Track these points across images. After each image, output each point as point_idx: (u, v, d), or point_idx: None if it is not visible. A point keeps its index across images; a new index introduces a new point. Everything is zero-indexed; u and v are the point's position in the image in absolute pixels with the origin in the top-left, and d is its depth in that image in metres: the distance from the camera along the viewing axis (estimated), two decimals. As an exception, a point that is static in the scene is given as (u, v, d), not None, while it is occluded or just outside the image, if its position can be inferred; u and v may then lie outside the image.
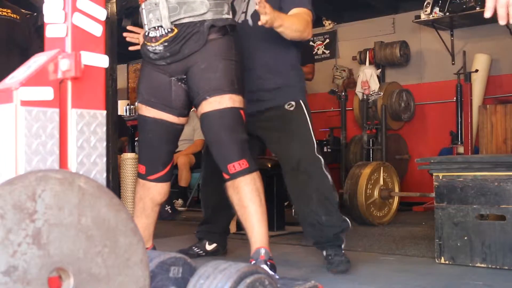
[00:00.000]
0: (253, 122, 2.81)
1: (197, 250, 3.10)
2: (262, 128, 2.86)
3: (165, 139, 2.54)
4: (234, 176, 2.34)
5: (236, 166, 2.33)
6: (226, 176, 2.37)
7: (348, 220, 2.76)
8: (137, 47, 2.78)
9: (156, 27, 2.38)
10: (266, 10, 2.34)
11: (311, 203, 2.71)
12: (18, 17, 3.57)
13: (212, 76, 2.36)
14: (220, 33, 2.39)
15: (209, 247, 3.14)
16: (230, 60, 2.39)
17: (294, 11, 2.65)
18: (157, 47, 2.42)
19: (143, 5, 2.44)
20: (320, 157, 2.76)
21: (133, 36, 2.79)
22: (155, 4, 2.37)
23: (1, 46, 3.50)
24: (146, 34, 2.45)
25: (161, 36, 2.39)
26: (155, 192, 2.55)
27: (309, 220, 2.73)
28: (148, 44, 2.45)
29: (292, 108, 2.78)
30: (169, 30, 2.36)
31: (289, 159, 2.76)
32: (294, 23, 2.57)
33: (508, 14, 1.58)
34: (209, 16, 2.36)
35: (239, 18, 2.80)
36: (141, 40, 2.71)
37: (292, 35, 2.58)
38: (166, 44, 2.39)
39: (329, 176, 2.77)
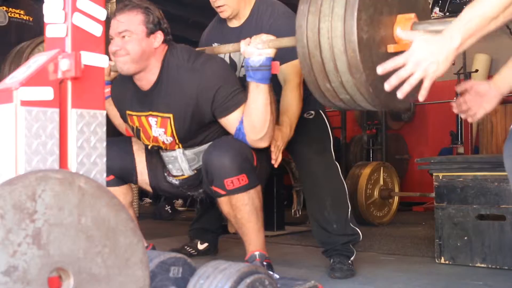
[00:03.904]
0: None
1: (189, 250, 3.09)
2: None
3: (117, 165, 2.50)
4: (231, 192, 2.26)
5: (234, 182, 2.24)
6: (220, 192, 2.28)
7: (359, 232, 2.72)
8: None
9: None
10: (280, 147, 2.42)
11: (324, 208, 2.68)
12: (31, 19, 3.47)
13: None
14: None
15: (200, 246, 3.14)
16: None
17: (285, 70, 2.53)
18: (174, 180, 2.55)
19: (161, 153, 2.53)
20: (337, 164, 2.76)
21: None
22: (173, 158, 2.46)
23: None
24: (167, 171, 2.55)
25: (182, 175, 2.52)
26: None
27: (320, 225, 2.71)
28: (168, 176, 2.56)
29: (311, 117, 2.75)
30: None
31: (306, 163, 2.74)
32: (297, 112, 2.52)
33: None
34: None
35: (239, 72, 2.73)
36: None
37: (300, 112, 2.57)
38: (184, 180, 2.53)
39: (345, 185, 2.76)
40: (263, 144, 2.34)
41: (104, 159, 1.34)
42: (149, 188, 2.67)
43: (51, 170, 1.15)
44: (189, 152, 2.44)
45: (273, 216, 4.05)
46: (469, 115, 1.84)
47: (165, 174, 2.57)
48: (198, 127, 2.37)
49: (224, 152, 2.27)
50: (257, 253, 2.33)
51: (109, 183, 2.46)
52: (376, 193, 4.66)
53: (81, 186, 1.13)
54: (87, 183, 1.14)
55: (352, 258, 2.67)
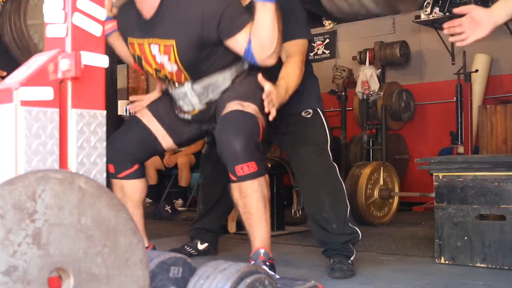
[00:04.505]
0: (269, 129, 2.81)
1: (189, 249, 3.09)
2: (278, 133, 2.83)
3: (139, 147, 2.53)
4: (242, 179, 2.27)
5: (244, 168, 2.25)
6: (232, 178, 2.30)
7: (358, 231, 2.73)
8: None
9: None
10: (274, 103, 2.35)
11: (323, 208, 2.68)
12: None
13: (233, 92, 2.42)
14: (243, 76, 2.46)
15: (200, 246, 3.13)
16: (256, 88, 2.40)
17: (288, 48, 2.58)
18: (186, 116, 2.56)
19: (170, 91, 2.54)
20: (335, 164, 2.76)
21: (137, 106, 2.81)
22: (183, 94, 2.48)
23: None
24: (177, 107, 2.56)
25: (193, 110, 2.53)
26: (129, 189, 2.53)
27: (320, 225, 2.71)
28: (178, 112, 2.58)
29: (309, 116, 2.76)
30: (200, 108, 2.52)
31: (304, 164, 2.74)
32: (295, 83, 2.53)
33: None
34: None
35: None
36: (145, 104, 2.74)
37: (298, 84, 2.57)
38: (196, 115, 2.53)
39: (343, 184, 2.77)
40: (271, 62, 2.37)
41: (104, 159, 1.34)
42: (175, 147, 2.70)
43: (51, 170, 1.15)
44: (198, 87, 2.45)
45: (273, 216, 4.05)
46: (460, 38, 1.91)
47: (176, 112, 2.58)
48: (202, 52, 2.37)
49: (234, 137, 2.26)
50: (262, 250, 2.30)
51: (132, 175, 2.52)
52: (376, 193, 4.65)
53: (81, 186, 1.13)
54: (87, 183, 1.14)
55: (352, 258, 2.67)
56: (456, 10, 1.94)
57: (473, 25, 1.88)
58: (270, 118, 2.35)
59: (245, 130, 2.29)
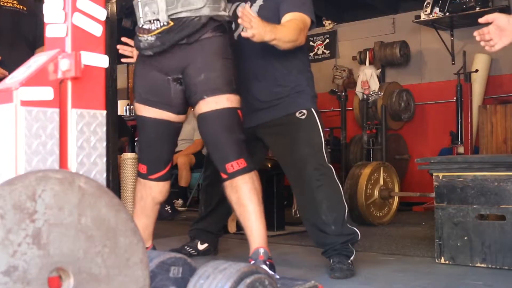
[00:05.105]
0: (263, 129, 2.81)
1: (189, 250, 3.09)
2: (272, 134, 2.83)
3: (165, 139, 2.55)
4: (233, 175, 2.33)
5: (234, 165, 2.32)
6: (224, 176, 2.36)
7: (357, 231, 2.73)
8: (130, 60, 2.76)
9: (152, 21, 2.37)
10: (252, 24, 2.29)
11: (320, 211, 2.67)
12: (25, 8, 3.48)
13: (209, 75, 2.35)
14: (218, 31, 2.38)
15: (200, 246, 3.14)
16: (227, 59, 2.39)
17: (289, 16, 2.61)
18: (150, 37, 2.39)
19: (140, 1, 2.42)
20: (331, 166, 2.75)
21: (126, 49, 2.77)
22: None
23: (6, 38, 3.42)
24: (140, 26, 2.43)
25: (156, 28, 2.37)
26: (156, 191, 2.56)
27: (318, 227, 2.71)
28: (141, 35, 2.43)
29: (303, 117, 2.75)
30: (165, 23, 2.35)
31: (299, 166, 2.72)
32: (286, 34, 2.51)
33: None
34: (206, 12, 2.34)
35: (243, 28, 2.76)
36: (134, 54, 2.70)
37: (285, 46, 2.53)
38: (159, 35, 2.37)
39: (340, 185, 2.76)
40: None
41: (104, 159, 1.34)
42: (180, 116, 2.58)
43: (51, 170, 1.15)
44: None
45: (273, 216, 4.05)
46: (489, 44, 2.01)
47: (140, 36, 2.44)
48: None
49: (221, 137, 2.33)
50: (261, 250, 2.33)
51: (163, 177, 2.57)
52: (376, 193, 4.65)
53: (81, 186, 1.13)
54: (87, 183, 1.14)
55: (351, 258, 2.66)
56: (481, 20, 2.03)
57: (499, 33, 1.97)
58: (243, 34, 2.35)
59: (228, 129, 2.33)
